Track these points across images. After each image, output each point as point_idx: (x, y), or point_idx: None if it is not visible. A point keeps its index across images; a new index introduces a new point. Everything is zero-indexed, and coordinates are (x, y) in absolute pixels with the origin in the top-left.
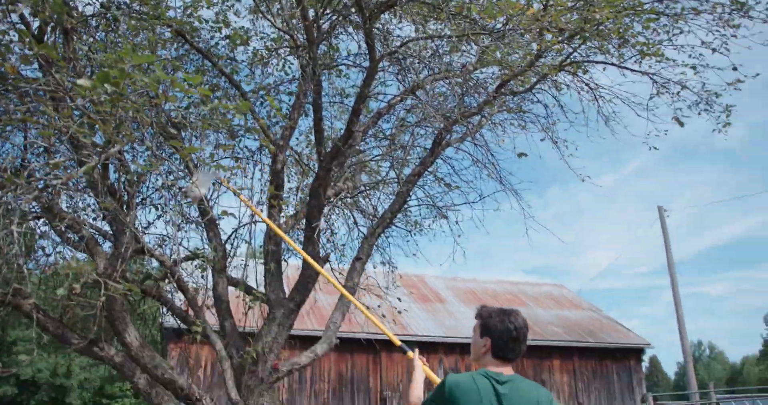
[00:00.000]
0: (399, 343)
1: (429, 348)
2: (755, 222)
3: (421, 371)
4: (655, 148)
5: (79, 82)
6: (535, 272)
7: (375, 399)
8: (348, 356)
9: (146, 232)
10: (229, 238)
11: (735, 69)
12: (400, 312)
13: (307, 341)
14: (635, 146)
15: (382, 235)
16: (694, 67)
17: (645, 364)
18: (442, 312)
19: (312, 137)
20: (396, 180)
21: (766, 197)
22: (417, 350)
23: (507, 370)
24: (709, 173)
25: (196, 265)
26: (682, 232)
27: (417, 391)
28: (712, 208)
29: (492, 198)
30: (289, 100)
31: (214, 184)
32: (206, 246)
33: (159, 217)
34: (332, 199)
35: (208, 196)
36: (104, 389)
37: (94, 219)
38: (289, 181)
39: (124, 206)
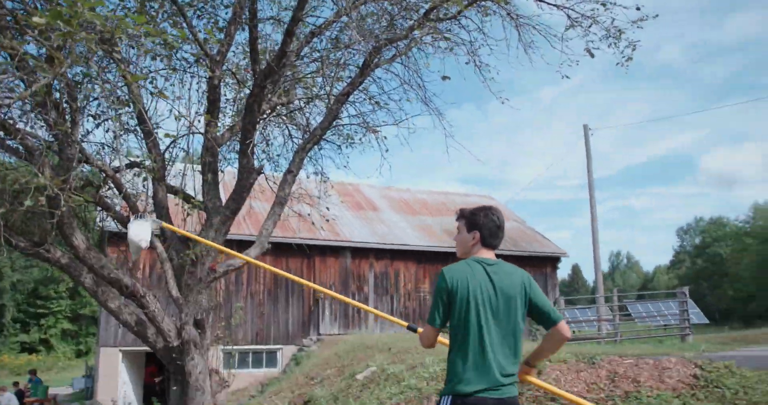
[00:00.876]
0: (406, 324)
1: (361, 254)
2: (681, 141)
3: None
4: (567, 77)
5: (35, 19)
6: (471, 182)
7: (308, 301)
8: (283, 260)
9: (86, 139)
10: (167, 148)
11: (638, 9)
12: (328, 220)
13: (243, 245)
14: (579, 61)
15: (316, 148)
16: (604, 5)
17: (568, 272)
18: (375, 220)
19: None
20: (327, 96)
21: (695, 117)
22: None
23: (493, 256)
24: (647, 91)
25: (135, 174)
26: (618, 145)
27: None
28: (643, 126)
29: (417, 118)
30: (226, 14)
31: (153, 232)
32: (145, 155)
33: (98, 125)
34: (267, 114)
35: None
36: (38, 291)
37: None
38: (225, 94)
39: (68, 120)
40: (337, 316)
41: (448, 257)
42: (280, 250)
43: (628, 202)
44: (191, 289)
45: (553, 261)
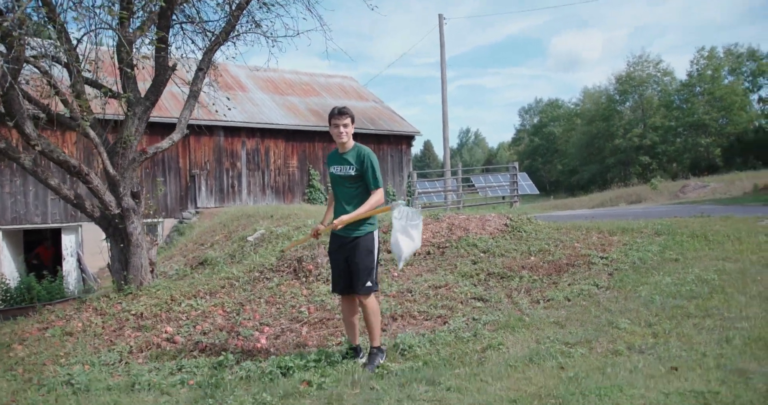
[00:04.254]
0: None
1: (232, 132)
2: (531, 23)
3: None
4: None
5: None
6: (332, 57)
7: (184, 176)
8: (159, 139)
9: None
10: (78, 41)
11: None
12: (230, 109)
13: (167, 128)
14: None
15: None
16: None
17: (421, 148)
18: (244, 100)
19: None
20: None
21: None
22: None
23: None
24: None
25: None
26: (473, 25)
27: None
28: (497, 10)
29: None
30: None
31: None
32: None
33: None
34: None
35: None
36: None
37: None
38: None
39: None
40: (213, 191)
41: (314, 135)
42: (155, 130)
43: (479, 81)
44: (125, 168)
45: (407, 139)
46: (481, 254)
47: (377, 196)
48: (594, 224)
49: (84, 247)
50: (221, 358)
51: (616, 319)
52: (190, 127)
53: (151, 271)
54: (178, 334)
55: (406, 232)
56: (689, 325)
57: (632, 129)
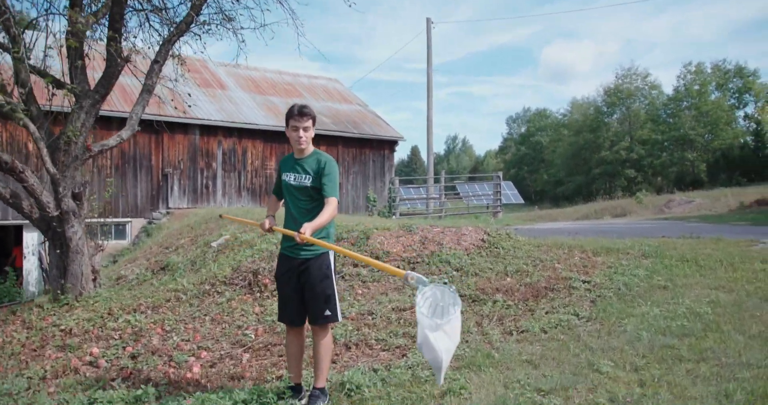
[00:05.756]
0: (403, 273)
1: (209, 131)
2: (523, 32)
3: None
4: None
5: None
6: (320, 59)
7: (157, 175)
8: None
9: None
10: (25, 28)
11: None
12: (190, 106)
13: (114, 122)
14: None
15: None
16: None
17: (408, 154)
18: (223, 98)
19: None
20: None
21: (536, 12)
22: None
23: None
24: None
25: None
26: (464, 33)
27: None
28: (487, 17)
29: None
30: None
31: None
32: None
33: None
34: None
35: None
36: None
37: None
38: None
39: None
40: (185, 191)
41: None
42: (115, 126)
43: (469, 89)
44: (67, 165)
45: (391, 144)
46: (454, 272)
47: (333, 205)
48: (577, 242)
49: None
50: (140, 392)
51: (597, 360)
52: (164, 124)
53: (94, 280)
54: (104, 356)
55: (439, 329)
56: (681, 372)
57: (619, 142)
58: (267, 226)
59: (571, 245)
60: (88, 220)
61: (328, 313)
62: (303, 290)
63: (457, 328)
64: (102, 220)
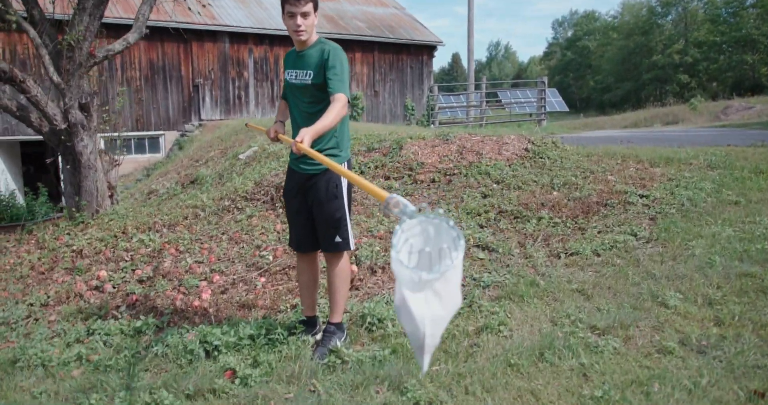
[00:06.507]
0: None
1: (240, 39)
2: None
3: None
4: None
5: None
6: None
7: (187, 86)
8: (158, 45)
9: None
10: None
11: None
12: (204, 5)
13: (115, 29)
14: None
15: None
16: None
17: (449, 61)
18: (252, 3)
19: None
20: None
21: None
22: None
23: None
24: None
25: None
26: None
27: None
28: None
29: None
30: None
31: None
32: None
33: None
34: None
35: None
36: None
37: None
38: None
39: None
40: (218, 102)
41: None
42: (153, 35)
43: None
44: (72, 74)
45: (429, 50)
46: (494, 185)
47: (341, 103)
48: (631, 151)
49: None
50: (140, 323)
51: (662, 291)
52: (192, 32)
53: (110, 196)
54: (111, 280)
55: (425, 287)
56: None
57: (672, 45)
58: (272, 134)
59: (625, 155)
60: (107, 134)
61: (338, 239)
62: (311, 211)
63: (456, 285)
64: (118, 133)
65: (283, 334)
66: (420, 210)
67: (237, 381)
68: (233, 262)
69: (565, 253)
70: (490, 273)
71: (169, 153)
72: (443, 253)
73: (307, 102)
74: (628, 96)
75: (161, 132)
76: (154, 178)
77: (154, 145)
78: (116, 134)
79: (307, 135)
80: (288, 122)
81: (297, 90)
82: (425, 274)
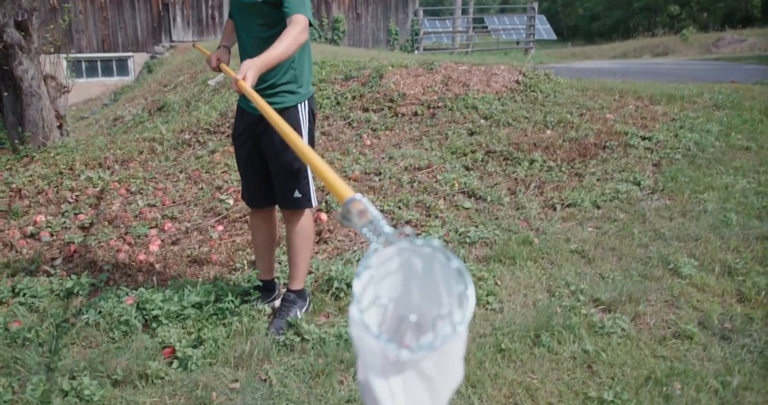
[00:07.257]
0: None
1: None
2: None
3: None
4: None
5: None
6: None
7: (156, 4)
8: None
9: None
10: None
11: None
12: None
13: None
14: None
15: None
16: None
17: None
18: None
19: None
20: None
21: None
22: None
23: None
24: None
25: None
26: None
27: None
28: None
29: None
30: None
31: None
32: None
33: None
34: None
35: None
36: None
37: None
38: None
39: None
40: (189, 23)
41: None
42: None
43: None
44: None
45: None
46: (482, 121)
47: (299, 27)
48: (629, 86)
49: None
50: (72, 283)
51: (674, 256)
52: None
53: (59, 127)
54: (49, 227)
55: (404, 369)
56: None
57: None
58: (214, 62)
59: (623, 90)
60: (68, 55)
61: (297, 194)
62: (265, 160)
63: (457, 357)
64: (66, 55)
65: (234, 302)
66: (401, 234)
67: (175, 363)
68: (189, 205)
69: (561, 205)
70: (477, 227)
71: (138, 76)
72: (437, 309)
73: (258, 24)
74: (617, 25)
75: (129, 54)
76: (122, 103)
77: (122, 67)
78: (75, 56)
79: (250, 70)
80: (235, 48)
81: (246, 9)
82: (406, 353)
